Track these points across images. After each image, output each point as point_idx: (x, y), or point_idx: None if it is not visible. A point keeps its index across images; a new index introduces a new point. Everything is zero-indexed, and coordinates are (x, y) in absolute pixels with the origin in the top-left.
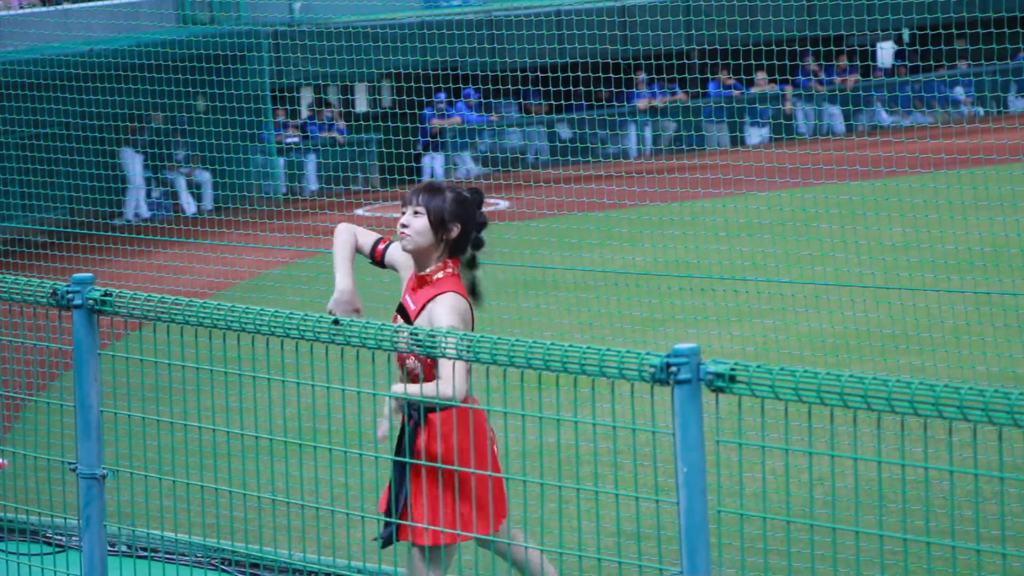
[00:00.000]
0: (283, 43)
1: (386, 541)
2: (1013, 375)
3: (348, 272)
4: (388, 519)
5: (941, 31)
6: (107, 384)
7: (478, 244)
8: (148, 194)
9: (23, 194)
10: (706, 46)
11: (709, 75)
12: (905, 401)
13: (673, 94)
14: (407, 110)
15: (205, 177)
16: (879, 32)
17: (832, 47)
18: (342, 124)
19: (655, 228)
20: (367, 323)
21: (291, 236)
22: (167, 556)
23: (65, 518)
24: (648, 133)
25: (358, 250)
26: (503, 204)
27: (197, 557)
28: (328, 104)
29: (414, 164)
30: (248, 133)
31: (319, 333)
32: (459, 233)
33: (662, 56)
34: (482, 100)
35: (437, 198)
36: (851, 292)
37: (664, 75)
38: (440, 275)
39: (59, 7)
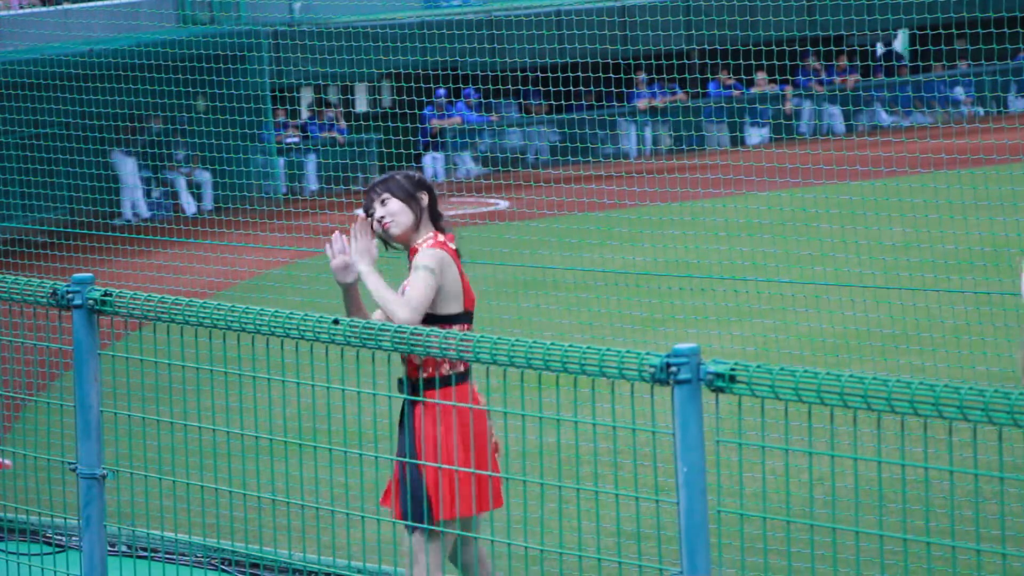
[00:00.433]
0: (283, 43)
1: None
2: (1013, 375)
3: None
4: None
5: (941, 31)
6: (107, 384)
7: None
8: (148, 194)
9: (23, 194)
10: (706, 46)
11: (709, 75)
12: (905, 401)
13: (673, 94)
14: (407, 110)
15: (205, 177)
16: (879, 32)
17: (832, 47)
18: (343, 124)
19: (655, 228)
20: (367, 323)
21: (291, 236)
22: (167, 556)
23: (65, 518)
24: (648, 133)
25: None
26: (503, 204)
27: (197, 557)
28: (329, 104)
29: (414, 164)
30: (248, 133)
31: (319, 333)
32: (429, 199)
33: (662, 56)
34: (482, 100)
35: (392, 181)
36: (851, 292)
37: (664, 75)
38: (430, 242)
39: (59, 7)
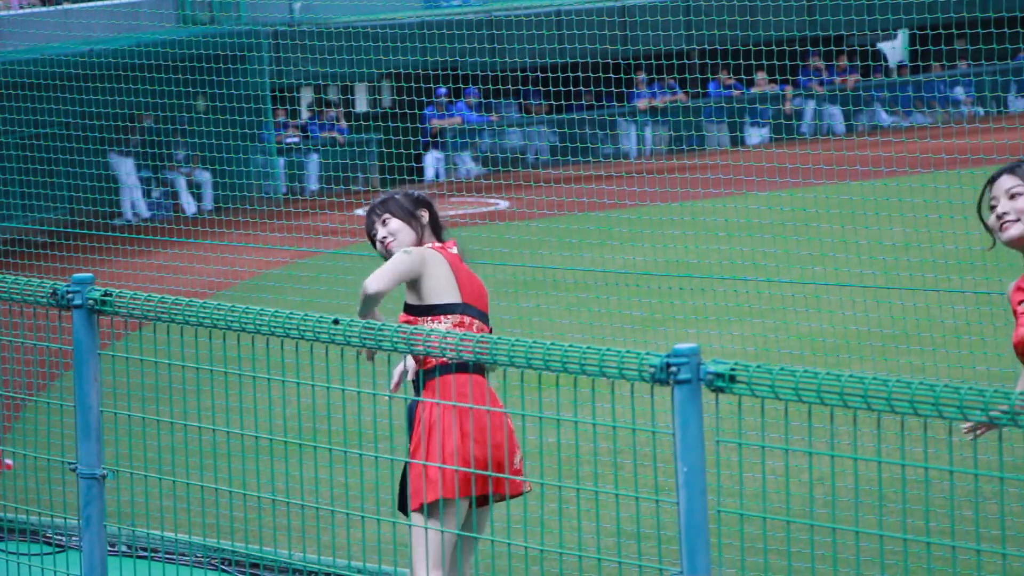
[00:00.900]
0: (283, 43)
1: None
2: (1013, 375)
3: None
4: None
5: (941, 31)
6: (107, 384)
7: None
8: (148, 194)
9: (23, 194)
10: (706, 46)
11: (709, 75)
12: (905, 401)
13: (673, 94)
14: (407, 110)
15: (205, 177)
16: (879, 32)
17: (832, 47)
18: (344, 124)
19: (655, 228)
20: (367, 323)
21: (291, 236)
22: (167, 556)
23: (65, 518)
24: (648, 133)
25: None
26: (503, 204)
27: (197, 557)
28: (332, 104)
29: (414, 164)
30: (248, 133)
31: (319, 333)
32: (430, 216)
33: (662, 56)
34: (482, 100)
35: (391, 201)
36: (851, 292)
37: (664, 75)
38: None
39: (59, 7)
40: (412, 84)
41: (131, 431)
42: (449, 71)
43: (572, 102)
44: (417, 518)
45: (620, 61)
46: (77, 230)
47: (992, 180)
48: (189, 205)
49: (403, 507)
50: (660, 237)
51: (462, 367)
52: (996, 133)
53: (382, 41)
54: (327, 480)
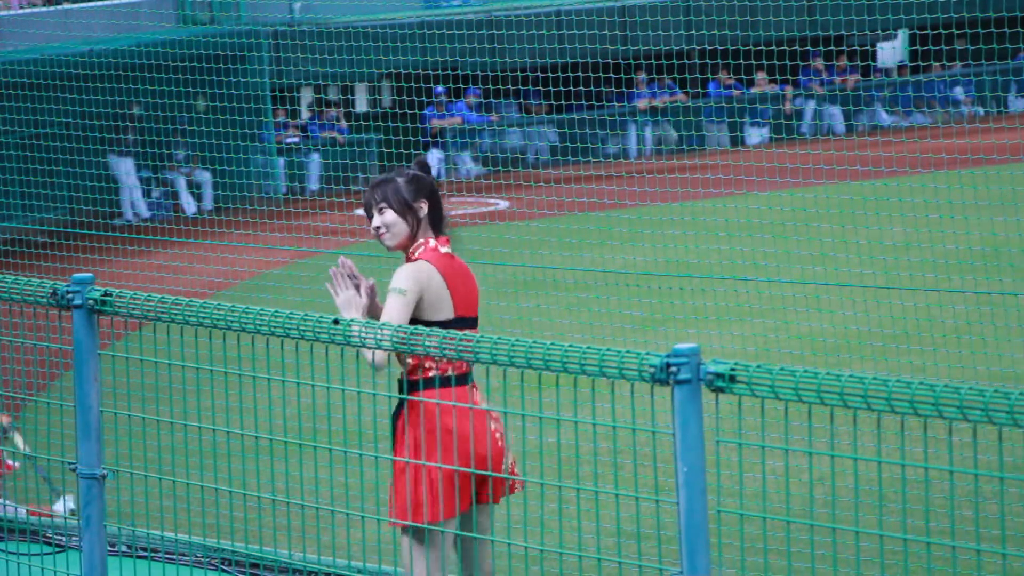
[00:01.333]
0: (283, 43)
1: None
2: (1013, 375)
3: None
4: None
5: (941, 31)
6: (107, 384)
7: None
8: (148, 194)
9: (23, 194)
10: (706, 46)
11: (709, 75)
12: (905, 401)
13: (673, 94)
14: (407, 110)
15: (205, 177)
16: (879, 32)
17: (832, 47)
18: (344, 124)
19: (655, 228)
20: (367, 323)
21: (291, 236)
22: (167, 556)
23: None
24: (648, 133)
25: None
26: (503, 204)
27: (197, 557)
28: (333, 104)
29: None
30: (248, 133)
31: (319, 333)
32: (430, 208)
33: (662, 56)
34: (482, 100)
35: (390, 186)
36: (851, 292)
37: (664, 75)
38: (419, 251)
39: (59, 7)
40: (412, 84)
41: (131, 431)
42: (449, 71)
43: (572, 102)
44: (405, 537)
45: (620, 61)
46: (77, 230)
47: None
48: (189, 205)
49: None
50: (660, 237)
51: (445, 380)
52: (996, 133)
53: (382, 41)
54: (327, 480)
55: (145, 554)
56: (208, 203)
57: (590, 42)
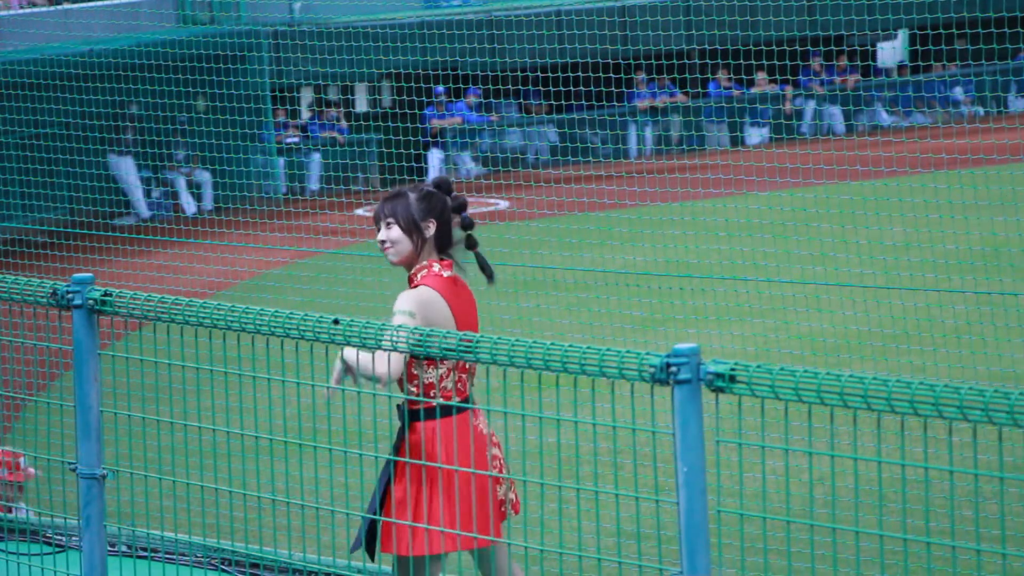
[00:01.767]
0: (283, 43)
1: (355, 546)
2: (1013, 375)
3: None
4: (366, 526)
5: (941, 31)
6: (107, 384)
7: (468, 224)
8: (148, 194)
9: (23, 194)
10: (706, 46)
11: (709, 75)
12: (905, 401)
13: (672, 95)
14: (407, 110)
15: (205, 177)
16: (879, 32)
17: (832, 47)
18: (344, 124)
19: (655, 228)
20: (367, 323)
21: (291, 236)
22: (167, 556)
23: (65, 518)
24: (648, 133)
25: None
26: (503, 204)
27: (197, 557)
28: (333, 104)
29: (414, 164)
30: (248, 133)
31: (319, 333)
32: (437, 228)
33: (662, 56)
34: (482, 100)
35: (401, 202)
36: (851, 292)
37: (664, 75)
38: (422, 274)
39: (59, 7)
40: (412, 84)
41: (131, 431)
42: (449, 71)
43: (572, 102)
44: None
45: (620, 61)
46: (77, 230)
47: None
48: (189, 205)
49: (370, 548)
50: (660, 237)
51: (446, 410)
52: (996, 133)
53: (382, 41)
54: (327, 480)
55: (145, 554)
56: (208, 203)
57: (590, 42)
